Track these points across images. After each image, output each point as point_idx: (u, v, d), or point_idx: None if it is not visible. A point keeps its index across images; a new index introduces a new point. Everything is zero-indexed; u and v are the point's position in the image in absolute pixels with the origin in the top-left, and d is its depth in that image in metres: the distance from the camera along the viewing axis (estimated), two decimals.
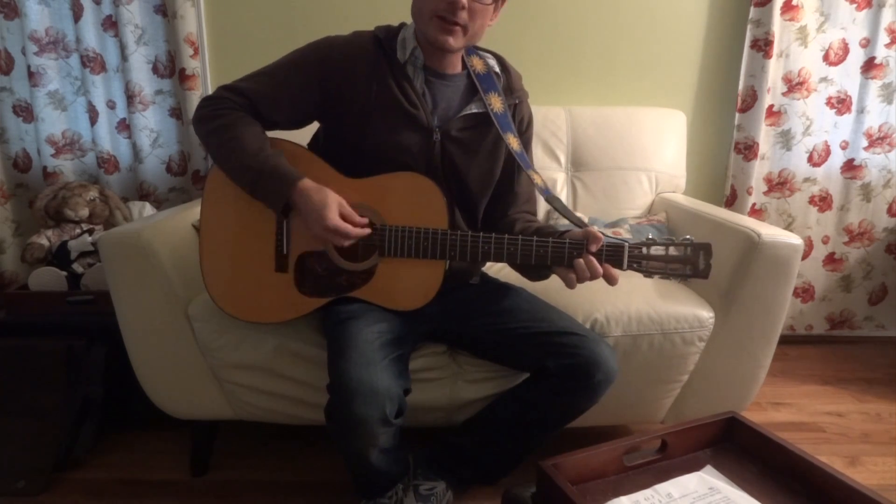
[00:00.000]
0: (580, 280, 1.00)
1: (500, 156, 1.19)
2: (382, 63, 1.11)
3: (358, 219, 1.06)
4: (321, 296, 1.13)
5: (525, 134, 1.24)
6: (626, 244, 1.01)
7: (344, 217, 1.04)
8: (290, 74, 1.11)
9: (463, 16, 1.03)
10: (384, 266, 1.11)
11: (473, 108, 1.14)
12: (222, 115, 1.08)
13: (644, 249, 1.01)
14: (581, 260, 0.99)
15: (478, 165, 1.17)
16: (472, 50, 1.19)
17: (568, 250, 1.01)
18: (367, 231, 1.06)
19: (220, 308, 1.16)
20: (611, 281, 0.99)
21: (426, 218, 1.08)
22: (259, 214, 1.12)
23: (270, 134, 1.14)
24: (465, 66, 1.17)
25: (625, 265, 1.01)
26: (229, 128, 1.07)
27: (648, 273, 1.01)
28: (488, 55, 1.20)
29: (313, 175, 1.11)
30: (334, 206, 1.03)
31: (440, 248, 1.07)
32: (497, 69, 1.19)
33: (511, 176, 1.22)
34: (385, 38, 1.13)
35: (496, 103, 1.15)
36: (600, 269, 0.98)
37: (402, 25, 1.16)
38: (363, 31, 1.14)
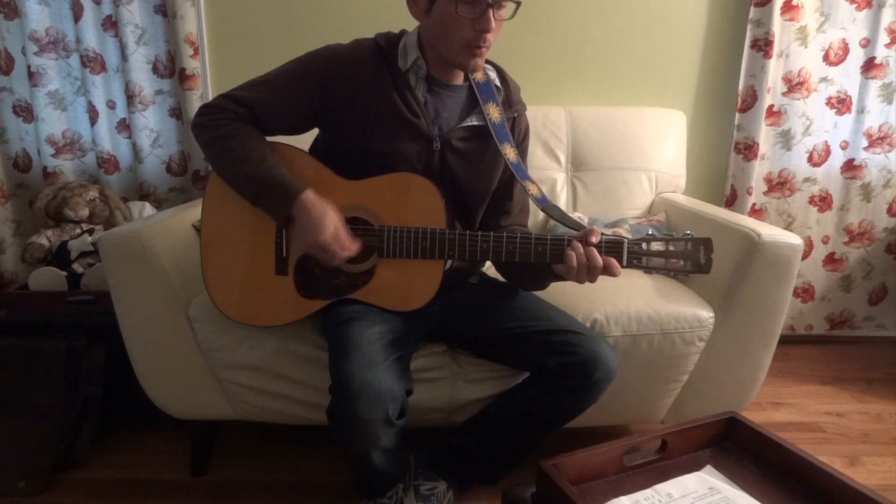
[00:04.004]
0: (580, 271, 0.98)
1: (499, 167, 1.19)
2: (383, 71, 1.10)
3: (348, 243, 1.05)
4: (321, 298, 1.13)
5: (521, 145, 1.24)
6: (626, 240, 1.00)
7: (337, 239, 1.04)
8: (291, 83, 1.11)
9: (490, 37, 1.04)
10: (383, 267, 1.11)
11: (474, 121, 1.15)
12: (222, 125, 1.08)
13: (643, 245, 1.00)
14: (581, 247, 0.98)
15: (476, 176, 1.17)
16: None
17: (566, 246, 1.00)
18: (354, 251, 1.05)
19: (223, 313, 1.16)
20: (612, 271, 0.98)
21: (424, 218, 1.08)
22: (259, 217, 1.11)
23: (268, 138, 1.14)
24: (466, 76, 1.17)
25: (624, 261, 1.00)
26: (230, 138, 1.07)
27: (648, 269, 1.00)
28: (489, 67, 1.20)
29: (310, 177, 1.11)
30: (330, 225, 1.03)
31: (438, 247, 1.06)
32: (497, 82, 1.18)
33: (507, 186, 1.22)
34: (386, 45, 1.12)
35: (494, 113, 1.15)
36: (600, 260, 0.98)
37: (403, 32, 1.16)
38: (363, 39, 1.14)
